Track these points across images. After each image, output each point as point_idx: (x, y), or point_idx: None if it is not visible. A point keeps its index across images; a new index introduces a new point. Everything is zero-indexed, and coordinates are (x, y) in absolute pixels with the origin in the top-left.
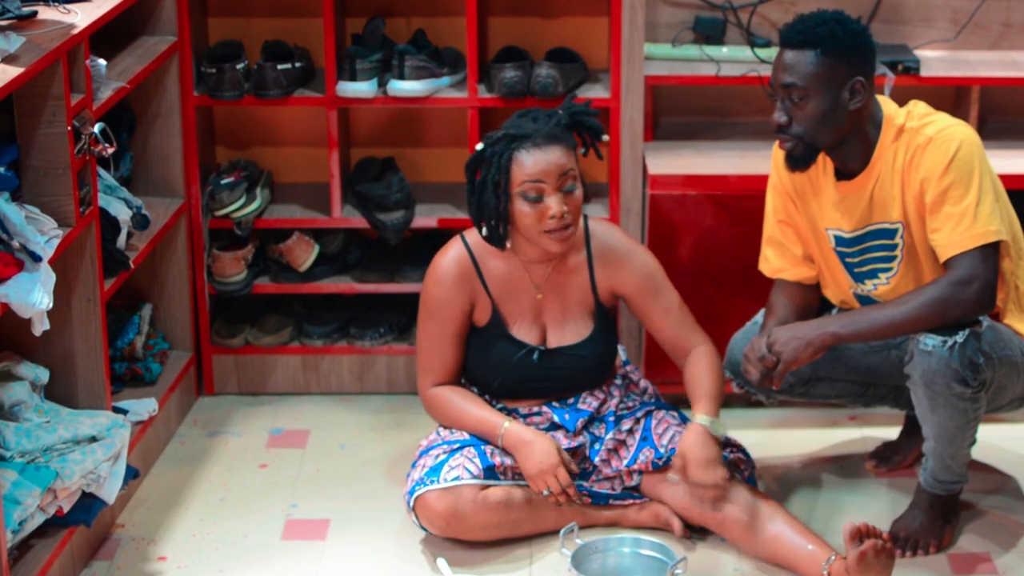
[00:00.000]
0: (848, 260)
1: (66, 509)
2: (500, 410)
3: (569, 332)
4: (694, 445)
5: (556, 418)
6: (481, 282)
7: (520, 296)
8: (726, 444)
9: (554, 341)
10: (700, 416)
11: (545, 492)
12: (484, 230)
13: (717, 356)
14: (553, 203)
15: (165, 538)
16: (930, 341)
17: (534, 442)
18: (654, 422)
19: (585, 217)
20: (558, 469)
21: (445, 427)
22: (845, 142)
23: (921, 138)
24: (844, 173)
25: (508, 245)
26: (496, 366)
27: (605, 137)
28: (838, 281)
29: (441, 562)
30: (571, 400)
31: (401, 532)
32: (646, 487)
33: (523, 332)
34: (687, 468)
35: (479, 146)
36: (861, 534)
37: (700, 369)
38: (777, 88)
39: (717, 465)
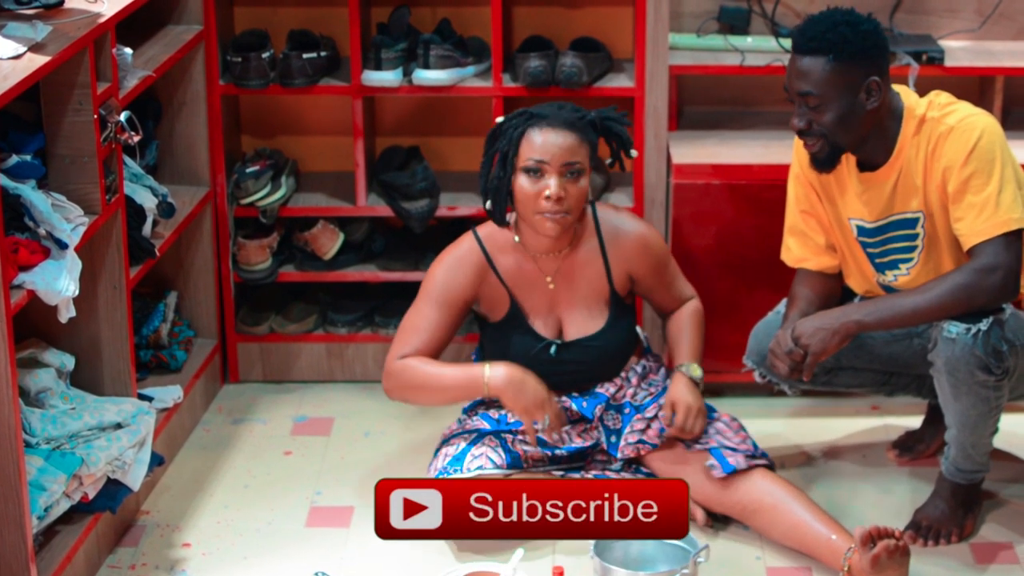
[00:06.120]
0: (870, 250)
1: (91, 495)
2: None
3: (584, 323)
4: (686, 394)
5: (575, 407)
6: (496, 275)
7: (533, 289)
8: (750, 456)
9: (570, 334)
10: (686, 366)
11: (538, 425)
12: (488, 203)
13: (702, 310)
14: (552, 184)
15: (189, 525)
16: (954, 328)
17: (525, 379)
18: None
19: (593, 205)
20: (549, 401)
21: (408, 400)
22: (866, 140)
23: (942, 127)
24: (867, 165)
25: (511, 224)
26: (515, 360)
27: (634, 153)
28: (863, 270)
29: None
30: (589, 389)
31: None
32: (667, 476)
33: (540, 325)
34: (678, 416)
35: (499, 119)
36: (872, 537)
37: (685, 321)
38: (793, 95)
39: (702, 415)
